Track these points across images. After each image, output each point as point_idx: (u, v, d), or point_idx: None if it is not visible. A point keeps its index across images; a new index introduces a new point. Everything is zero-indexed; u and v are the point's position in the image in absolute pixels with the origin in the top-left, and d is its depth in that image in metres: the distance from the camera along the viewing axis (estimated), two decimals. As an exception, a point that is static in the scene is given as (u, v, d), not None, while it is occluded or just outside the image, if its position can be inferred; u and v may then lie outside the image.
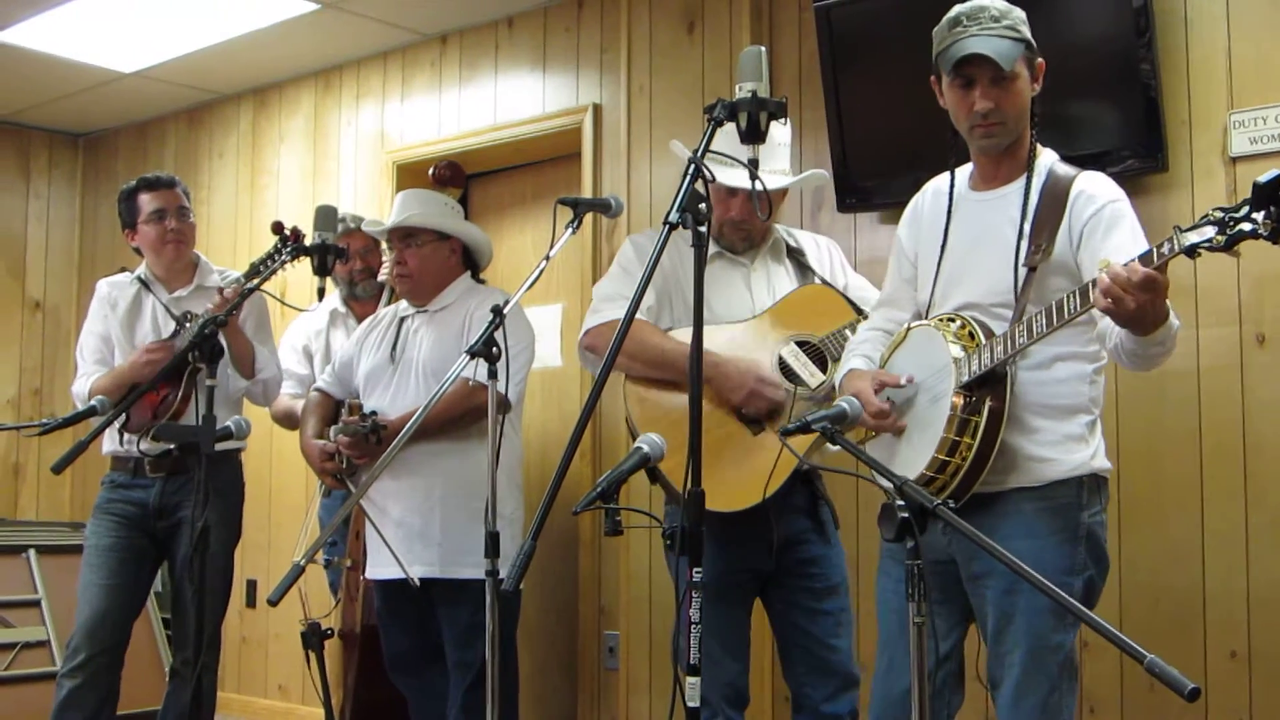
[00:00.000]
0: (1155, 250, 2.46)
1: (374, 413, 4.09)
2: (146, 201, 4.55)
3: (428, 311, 4.29)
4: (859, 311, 3.59)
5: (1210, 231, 2.37)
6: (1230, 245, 2.35)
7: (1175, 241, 2.42)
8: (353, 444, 4.04)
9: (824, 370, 3.52)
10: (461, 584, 3.99)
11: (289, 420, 5.05)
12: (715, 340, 3.41)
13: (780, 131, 3.60)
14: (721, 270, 3.65)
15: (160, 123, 7.48)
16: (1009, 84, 2.90)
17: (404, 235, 4.25)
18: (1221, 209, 2.37)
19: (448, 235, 4.30)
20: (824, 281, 3.75)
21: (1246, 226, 2.33)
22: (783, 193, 3.73)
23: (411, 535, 4.07)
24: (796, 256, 3.79)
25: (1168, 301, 2.64)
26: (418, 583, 3.94)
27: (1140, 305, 2.49)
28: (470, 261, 4.39)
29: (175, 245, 4.56)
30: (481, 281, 4.43)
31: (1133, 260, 2.49)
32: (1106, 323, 2.72)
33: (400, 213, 4.28)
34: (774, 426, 3.46)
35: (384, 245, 4.97)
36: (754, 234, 3.70)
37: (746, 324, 3.60)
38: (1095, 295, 2.53)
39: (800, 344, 3.55)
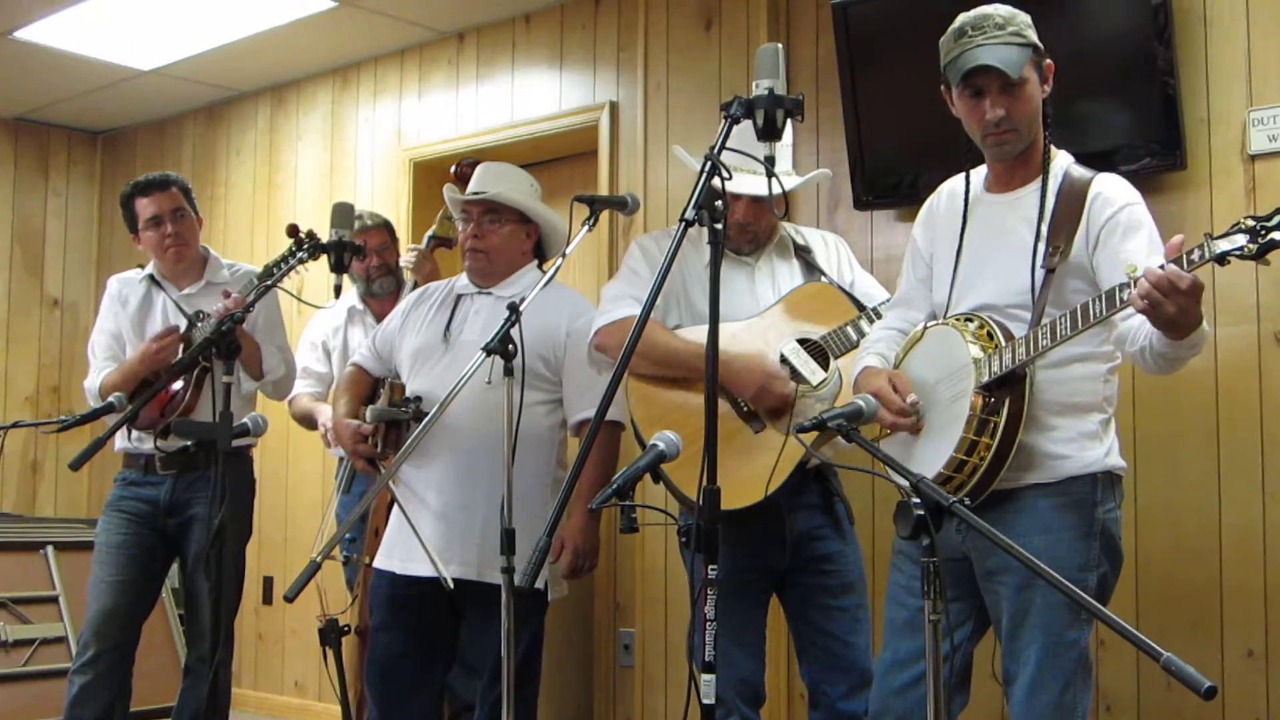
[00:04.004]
0: (1185, 257, 2.45)
1: (418, 398, 3.92)
2: (143, 207, 4.53)
3: (491, 295, 4.00)
4: (861, 309, 3.58)
5: (1242, 240, 2.37)
6: (1261, 254, 2.35)
7: (1206, 249, 2.41)
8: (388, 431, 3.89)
9: (825, 368, 3.51)
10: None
11: (310, 422, 5.05)
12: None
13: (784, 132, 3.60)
14: (727, 270, 3.59)
15: (178, 120, 7.50)
16: (1018, 90, 2.91)
17: (487, 209, 4.01)
18: (1253, 217, 2.37)
19: (529, 219, 4.08)
20: (829, 280, 3.74)
21: (1278, 235, 2.32)
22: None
23: (452, 530, 3.83)
24: (804, 255, 3.78)
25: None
26: (451, 584, 3.70)
27: (1180, 309, 2.49)
28: (537, 249, 4.15)
29: (175, 249, 4.54)
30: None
31: (1170, 264, 2.48)
32: (1131, 325, 2.72)
33: (487, 184, 4.05)
34: (776, 425, 3.46)
35: (447, 229, 4.92)
36: (759, 235, 3.70)
37: (748, 322, 3.59)
38: (1133, 297, 2.52)
39: (802, 341, 3.55)
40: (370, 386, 4.23)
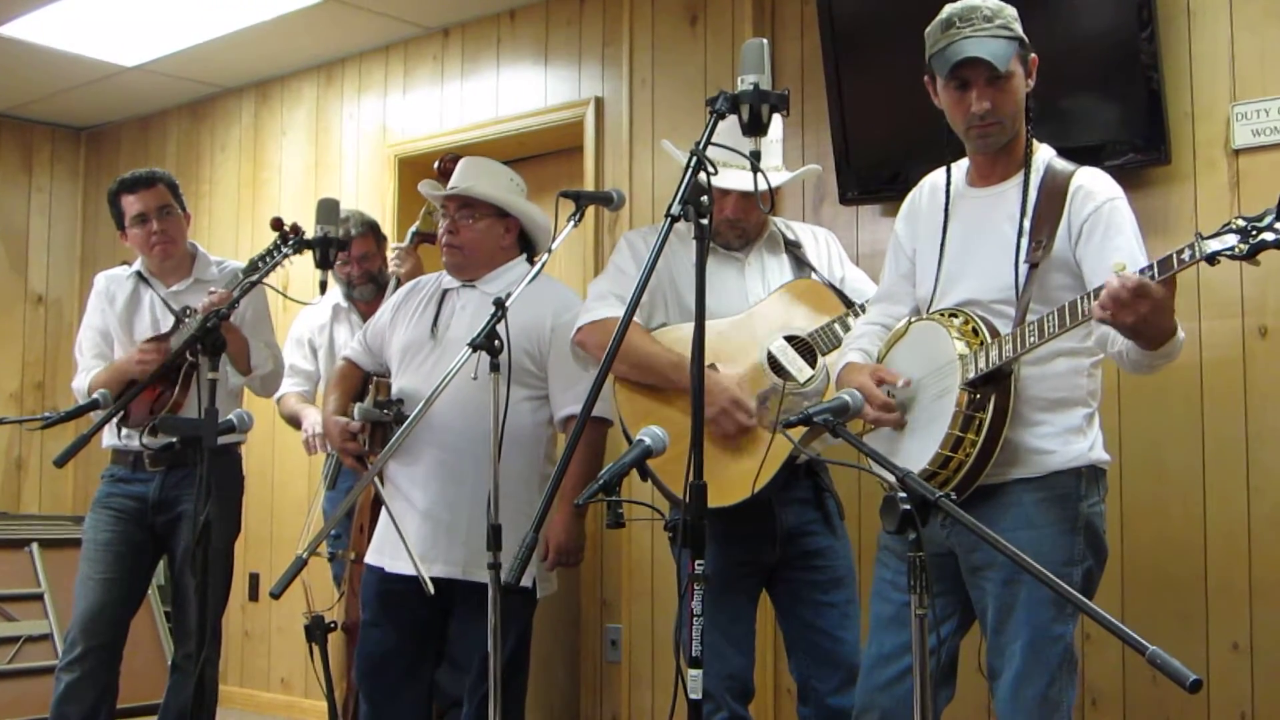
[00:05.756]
0: (1175, 256, 2.44)
1: (400, 400, 3.92)
2: (129, 204, 4.51)
3: (476, 289, 4.01)
4: (850, 305, 3.58)
5: (1232, 240, 2.37)
6: (1252, 254, 2.35)
7: (1196, 249, 2.41)
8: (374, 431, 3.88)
9: (813, 365, 3.51)
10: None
11: (297, 423, 5.03)
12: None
13: (773, 128, 3.59)
14: (716, 266, 3.58)
15: (162, 116, 7.48)
16: (1005, 84, 2.91)
17: (461, 204, 4.01)
18: (1244, 217, 2.37)
19: (506, 213, 4.06)
20: (819, 275, 3.73)
21: (1269, 236, 2.33)
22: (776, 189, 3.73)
23: (438, 528, 3.83)
24: (794, 250, 3.77)
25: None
26: (431, 589, 3.61)
27: (1139, 317, 2.49)
28: (525, 243, 4.13)
29: (162, 247, 4.52)
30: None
31: (1124, 274, 2.48)
32: (1107, 329, 2.71)
33: (462, 179, 4.05)
34: (750, 439, 3.43)
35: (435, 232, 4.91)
36: (749, 230, 3.70)
37: (736, 320, 3.58)
38: (1094, 309, 2.53)
39: (790, 339, 3.54)
40: (361, 381, 4.23)
